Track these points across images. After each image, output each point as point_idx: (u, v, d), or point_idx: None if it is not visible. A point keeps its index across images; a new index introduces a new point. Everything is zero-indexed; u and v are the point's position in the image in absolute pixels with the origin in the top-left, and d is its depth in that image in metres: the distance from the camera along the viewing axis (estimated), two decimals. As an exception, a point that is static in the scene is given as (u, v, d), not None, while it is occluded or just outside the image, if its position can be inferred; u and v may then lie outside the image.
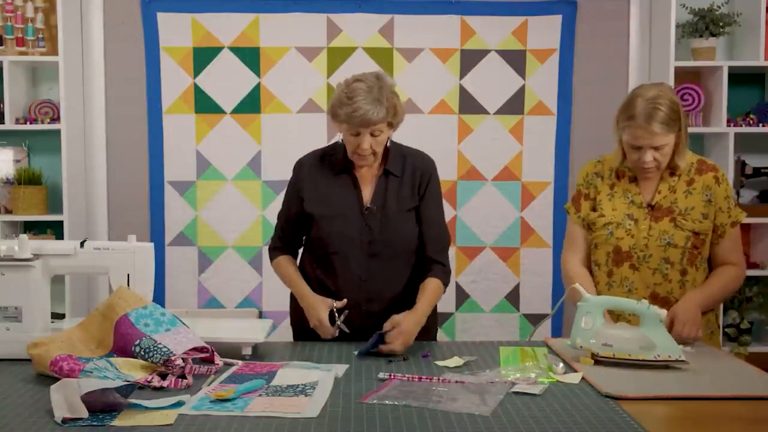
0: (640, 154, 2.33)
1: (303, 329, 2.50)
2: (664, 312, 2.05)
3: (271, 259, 2.60)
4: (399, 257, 2.44)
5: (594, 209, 2.48)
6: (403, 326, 2.22)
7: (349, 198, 2.45)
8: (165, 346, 1.93)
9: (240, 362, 2.08)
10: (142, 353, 1.94)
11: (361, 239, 2.41)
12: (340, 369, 2.01)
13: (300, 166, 2.55)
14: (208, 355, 2.02)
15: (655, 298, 2.36)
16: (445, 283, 2.46)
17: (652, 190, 2.44)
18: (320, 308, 2.36)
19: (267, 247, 3.89)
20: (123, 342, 1.99)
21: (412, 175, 2.48)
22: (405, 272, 2.46)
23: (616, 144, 2.44)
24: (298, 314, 2.55)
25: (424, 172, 2.50)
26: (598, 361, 2.06)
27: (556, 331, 3.79)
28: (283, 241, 2.58)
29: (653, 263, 2.40)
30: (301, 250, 2.61)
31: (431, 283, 2.41)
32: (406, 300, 2.38)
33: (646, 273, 2.40)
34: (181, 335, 2.02)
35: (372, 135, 2.35)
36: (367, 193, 2.46)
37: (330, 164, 2.50)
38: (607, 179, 2.49)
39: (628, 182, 2.46)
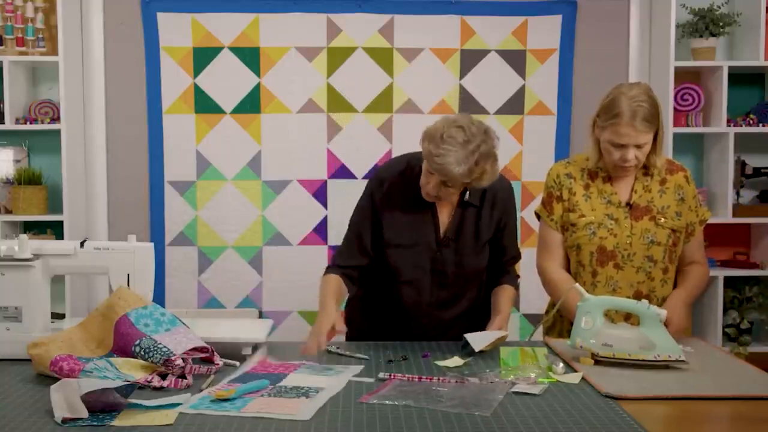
0: (622, 152, 2.35)
1: (357, 329, 2.50)
2: (664, 312, 2.06)
3: (325, 273, 2.45)
4: (468, 284, 2.46)
5: (570, 210, 2.47)
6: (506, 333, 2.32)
7: (426, 227, 2.39)
8: (165, 346, 1.93)
9: (255, 360, 2.08)
10: (142, 353, 1.94)
11: (433, 269, 2.40)
12: (354, 370, 2.02)
13: (380, 184, 2.42)
14: (208, 355, 2.02)
15: (637, 297, 2.36)
16: (516, 289, 2.54)
17: (628, 189, 2.46)
18: (325, 329, 2.24)
19: (267, 247, 3.88)
20: (123, 342, 1.99)
21: (491, 206, 2.42)
22: (471, 295, 2.49)
23: (590, 144, 2.45)
24: (352, 314, 2.57)
25: (504, 204, 2.44)
26: (598, 361, 2.06)
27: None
28: (345, 257, 2.44)
29: (637, 262, 2.41)
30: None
31: (509, 289, 2.49)
32: (467, 323, 2.37)
33: (630, 272, 2.41)
34: (181, 335, 2.02)
35: (443, 183, 2.24)
36: (444, 220, 2.40)
37: (408, 186, 2.37)
38: (580, 180, 2.49)
39: (603, 182, 2.47)
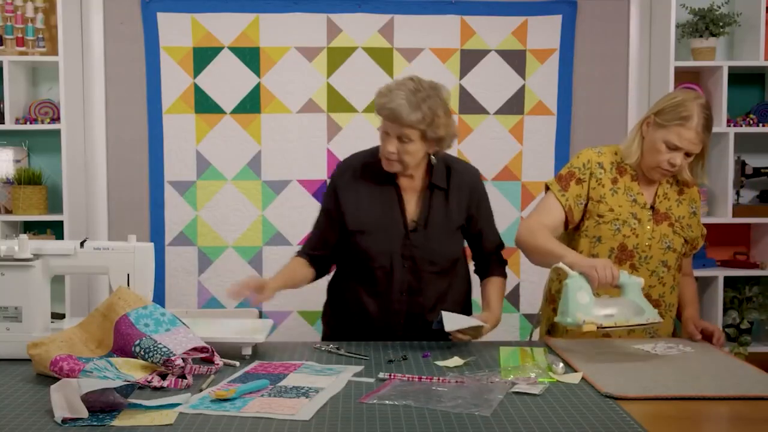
0: (673, 155, 2.34)
1: (336, 326, 2.55)
2: (641, 279, 2.18)
3: (295, 255, 2.54)
4: (441, 271, 2.43)
5: (597, 201, 2.43)
6: (488, 327, 2.32)
7: (392, 213, 2.38)
8: (165, 346, 1.93)
9: (256, 361, 2.09)
10: (142, 353, 1.94)
11: (404, 254, 2.38)
12: (354, 370, 2.02)
13: (341, 175, 2.45)
14: (208, 355, 2.02)
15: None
16: (505, 278, 2.52)
17: (652, 193, 2.46)
18: (252, 282, 2.30)
19: (267, 247, 3.90)
20: (123, 342, 1.99)
21: (458, 191, 2.41)
22: (447, 283, 2.45)
23: (634, 141, 2.43)
24: (329, 311, 2.60)
25: (472, 189, 2.44)
26: (604, 333, 2.16)
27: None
28: (309, 246, 2.51)
29: (652, 265, 2.42)
30: (334, 268, 2.57)
31: (497, 282, 2.48)
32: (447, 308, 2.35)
33: (644, 274, 2.40)
34: (181, 335, 2.02)
35: (400, 140, 2.26)
36: (411, 207, 2.40)
37: (372, 173, 2.39)
38: (609, 173, 2.47)
39: (630, 180, 2.46)
